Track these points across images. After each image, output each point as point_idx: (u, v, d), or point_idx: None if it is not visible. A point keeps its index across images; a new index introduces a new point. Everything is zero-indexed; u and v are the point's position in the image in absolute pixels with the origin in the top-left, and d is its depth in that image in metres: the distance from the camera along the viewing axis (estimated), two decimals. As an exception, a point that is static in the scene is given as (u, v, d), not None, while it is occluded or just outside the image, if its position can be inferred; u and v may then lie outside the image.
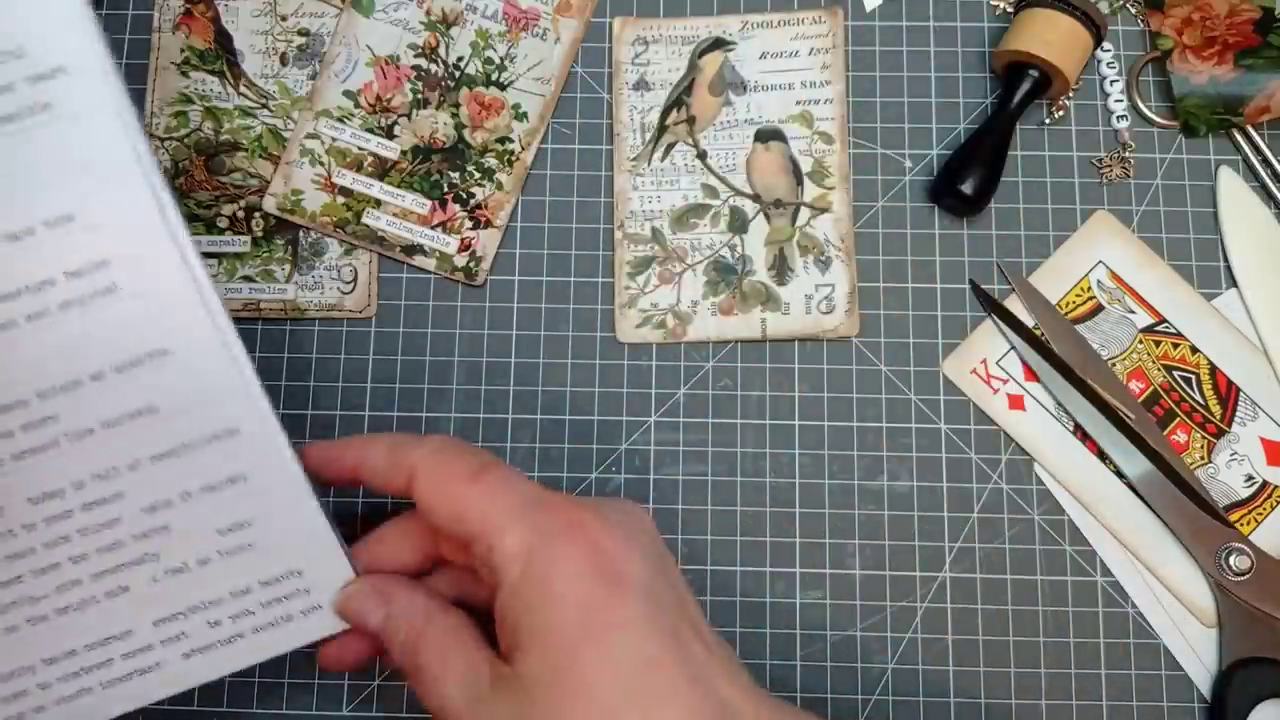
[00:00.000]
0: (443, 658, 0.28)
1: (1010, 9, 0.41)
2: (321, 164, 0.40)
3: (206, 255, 0.40)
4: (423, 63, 0.41)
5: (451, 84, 0.41)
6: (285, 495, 0.30)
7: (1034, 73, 0.39)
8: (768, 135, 0.40)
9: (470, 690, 0.27)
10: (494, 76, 0.41)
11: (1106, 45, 0.41)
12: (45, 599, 0.29)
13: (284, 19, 0.41)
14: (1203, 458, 0.38)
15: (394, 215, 0.40)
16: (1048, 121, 0.41)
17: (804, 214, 0.40)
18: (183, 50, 0.41)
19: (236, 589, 0.30)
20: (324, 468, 0.31)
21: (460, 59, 0.41)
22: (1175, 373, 0.39)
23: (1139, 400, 0.38)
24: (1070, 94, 0.41)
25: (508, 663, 0.27)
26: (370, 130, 0.40)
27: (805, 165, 0.40)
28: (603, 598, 0.26)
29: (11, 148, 0.27)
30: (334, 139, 0.40)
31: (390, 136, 0.40)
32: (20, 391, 0.28)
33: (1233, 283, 0.39)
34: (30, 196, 0.27)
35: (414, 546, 0.31)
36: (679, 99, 0.41)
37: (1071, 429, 0.38)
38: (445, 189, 0.40)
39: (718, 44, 0.41)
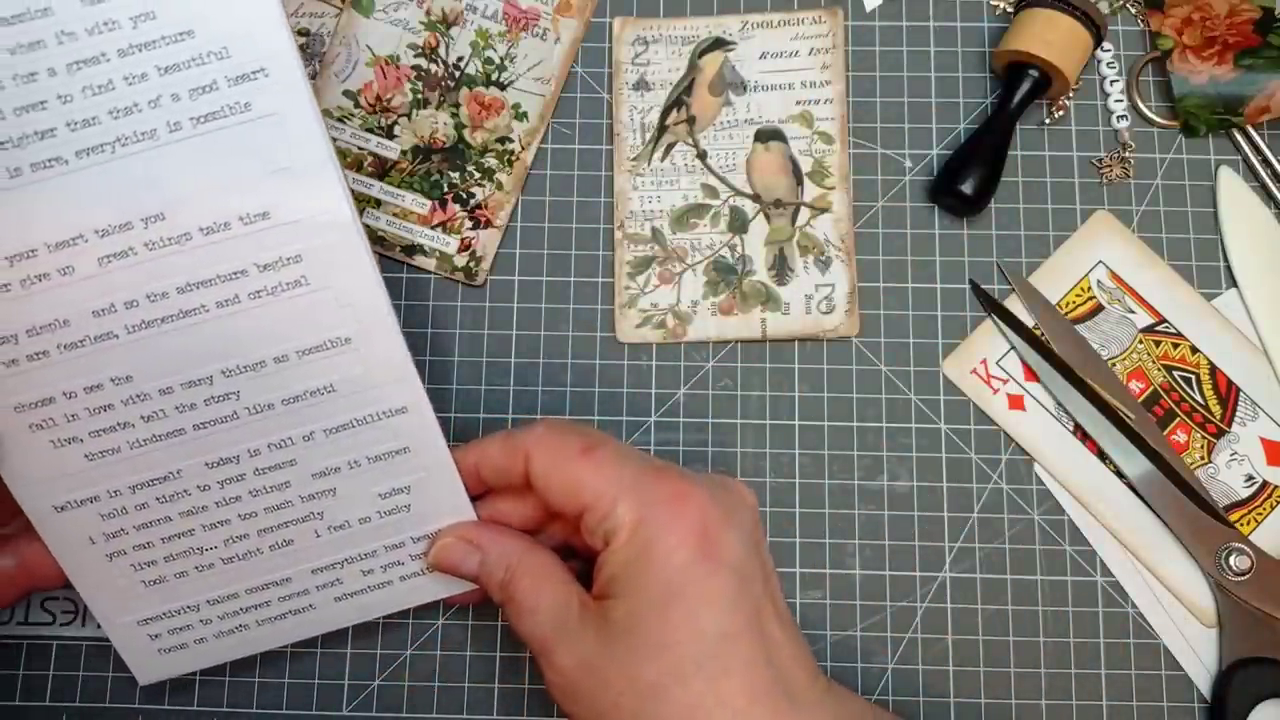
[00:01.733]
0: (535, 590, 0.30)
1: (1010, 9, 0.41)
2: (321, 164, 0.40)
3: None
4: (423, 63, 0.41)
5: (451, 84, 0.41)
6: (438, 464, 0.32)
7: (1034, 73, 0.39)
8: (768, 135, 0.40)
9: (559, 619, 0.29)
10: (494, 76, 0.41)
11: (1106, 45, 0.41)
12: (213, 550, 0.32)
13: (284, 19, 0.41)
14: (1203, 458, 0.38)
15: (394, 215, 0.40)
16: (1048, 121, 0.41)
17: (804, 214, 0.40)
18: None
19: (391, 543, 0.33)
20: None
21: (460, 59, 0.41)
22: (1175, 373, 0.39)
23: (1139, 400, 0.38)
24: (1070, 94, 0.41)
25: (599, 605, 0.29)
26: (370, 130, 0.40)
27: (805, 165, 0.40)
28: (697, 570, 0.28)
29: (211, 145, 0.28)
30: (334, 139, 0.40)
31: (390, 136, 0.40)
32: (205, 370, 0.29)
33: (1233, 283, 0.39)
34: (227, 193, 0.28)
35: (525, 510, 0.33)
36: (679, 99, 0.41)
37: (1071, 429, 0.38)
38: (445, 189, 0.40)
39: (718, 44, 0.41)
